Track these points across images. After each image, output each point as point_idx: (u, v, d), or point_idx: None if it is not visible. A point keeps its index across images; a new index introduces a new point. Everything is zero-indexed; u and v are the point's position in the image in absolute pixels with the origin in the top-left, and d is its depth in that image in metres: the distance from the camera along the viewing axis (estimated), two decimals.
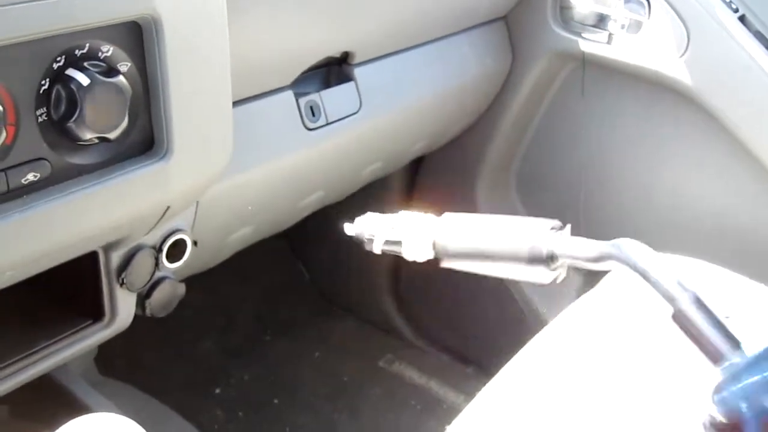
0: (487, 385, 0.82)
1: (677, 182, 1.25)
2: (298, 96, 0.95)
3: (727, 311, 0.47)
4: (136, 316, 0.86)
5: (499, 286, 1.43)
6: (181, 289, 0.89)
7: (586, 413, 0.74)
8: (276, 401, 1.51)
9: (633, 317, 0.87)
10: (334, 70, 1.01)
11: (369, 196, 1.42)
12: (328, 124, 0.98)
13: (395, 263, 1.63)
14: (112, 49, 0.62)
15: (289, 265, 1.76)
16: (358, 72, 1.02)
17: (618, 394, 0.76)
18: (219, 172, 0.77)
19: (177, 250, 0.85)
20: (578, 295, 0.95)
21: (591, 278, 1.25)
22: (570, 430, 0.73)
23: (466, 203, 1.45)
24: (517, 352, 0.85)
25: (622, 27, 1.19)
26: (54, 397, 0.91)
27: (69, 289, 0.82)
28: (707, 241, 1.22)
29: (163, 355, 1.50)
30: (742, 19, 1.11)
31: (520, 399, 0.79)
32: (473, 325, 1.55)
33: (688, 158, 1.22)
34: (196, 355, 1.55)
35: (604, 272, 0.98)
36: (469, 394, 0.83)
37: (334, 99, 0.99)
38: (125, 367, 1.34)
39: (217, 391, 1.50)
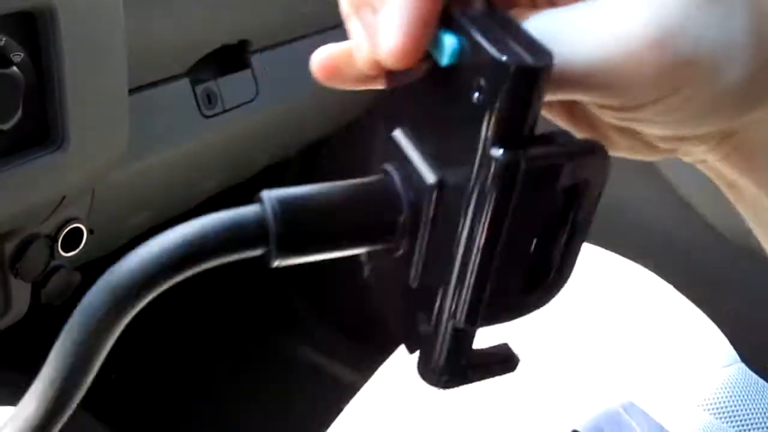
0: (384, 363, 0.85)
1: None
2: (194, 83, 0.95)
3: None
4: (32, 305, 0.85)
5: None
6: (77, 276, 0.88)
7: (485, 387, 0.78)
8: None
9: None
10: (230, 56, 1.01)
11: (269, 178, 1.42)
12: (225, 111, 0.98)
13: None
14: (4, 39, 0.62)
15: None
16: (255, 59, 1.02)
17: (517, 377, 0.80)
18: (115, 161, 0.77)
19: (73, 239, 0.84)
20: None
21: None
22: (471, 401, 0.76)
23: None
24: None
25: None
26: None
27: None
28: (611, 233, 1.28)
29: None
30: None
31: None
32: (366, 300, 1.57)
33: None
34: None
35: None
36: (367, 373, 0.85)
37: (230, 86, 0.99)
38: (23, 357, 1.31)
39: (113, 376, 1.49)
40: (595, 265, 0.92)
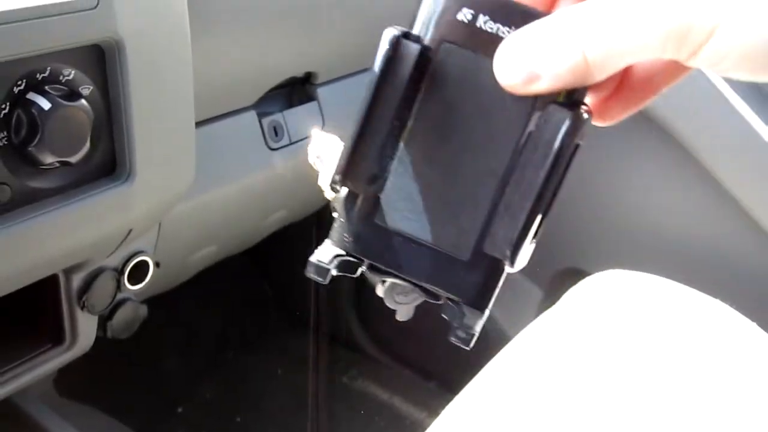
0: (452, 402, 0.83)
1: (636, 199, 1.27)
2: (261, 116, 0.95)
3: None
4: (96, 337, 0.85)
5: None
6: (143, 310, 0.88)
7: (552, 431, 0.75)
8: (239, 419, 1.50)
9: (595, 333, 0.88)
10: (297, 89, 1.01)
11: (330, 213, 1.42)
12: (291, 143, 0.98)
13: (357, 279, 1.63)
14: (73, 72, 0.62)
15: (251, 281, 1.75)
16: (321, 91, 1.02)
17: (585, 412, 0.77)
18: (181, 194, 0.77)
19: (139, 272, 0.84)
20: (539, 311, 0.97)
21: (552, 294, 1.26)
22: None
23: None
24: (479, 368, 0.86)
25: None
26: (12, 420, 0.90)
27: (28, 313, 0.81)
28: (666, 256, 1.24)
29: (125, 374, 1.48)
30: None
31: (487, 416, 0.80)
32: (435, 339, 1.55)
33: (647, 176, 1.24)
34: (159, 374, 1.53)
35: (565, 289, 1.00)
36: (432, 410, 0.83)
37: (296, 118, 0.99)
38: (85, 388, 1.32)
39: (180, 410, 1.49)
40: (677, 302, 0.88)
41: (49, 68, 0.60)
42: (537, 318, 0.94)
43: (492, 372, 0.85)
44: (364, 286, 1.64)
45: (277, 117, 0.97)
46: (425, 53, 0.31)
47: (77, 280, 0.78)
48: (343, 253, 0.35)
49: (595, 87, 0.35)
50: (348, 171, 0.34)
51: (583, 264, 1.27)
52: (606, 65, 0.31)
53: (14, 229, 0.61)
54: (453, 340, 0.35)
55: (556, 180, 0.31)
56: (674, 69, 0.37)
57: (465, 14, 0.31)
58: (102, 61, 0.64)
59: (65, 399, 1.22)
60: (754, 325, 0.85)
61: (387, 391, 1.58)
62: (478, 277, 0.33)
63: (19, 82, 0.59)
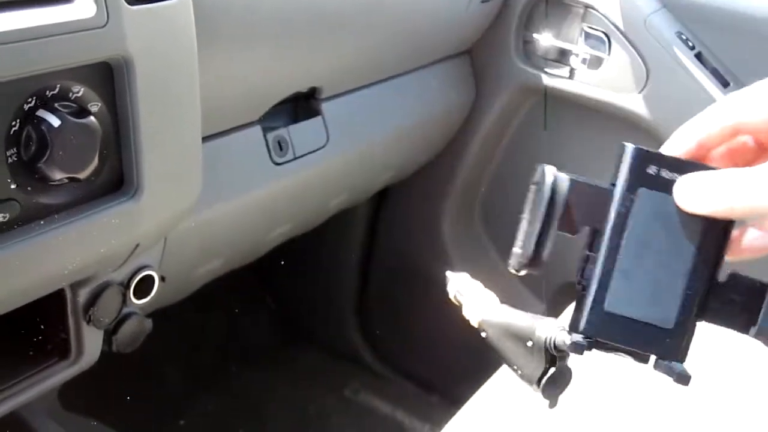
0: (456, 415, 0.83)
1: None
2: (266, 131, 0.95)
3: None
4: (104, 352, 0.85)
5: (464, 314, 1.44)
6: (148, 324, 0.89)
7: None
8: (241, 431, 1.49)
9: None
10: (301, 104, 1.01)
11: (335, 224, 1.42)
12: (295, 158, 0.98)
13: (360, 292, 1.64)
14: (83, 89, 0.62)
15: (253, 293, 1.75)
16: (325, 107, 1.03)
17: (591, 422, 0.77)
18: (188, 209, 0.77)
19: (144, 286, 0.84)
20: None
21: (555, 308, 1.26)
22: None
23: (431, 232, 1.46)
24: (482, 381, 0.86)
25: (584, 62, 1.22)
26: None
27: (33, 327, 0.81)
28: None
29: (127, 386, 1.48)
30: (698, 56, 1.15)
31: (490, 430, 0.80)
32: (438, 353, 1.55)
33: None
34: (161, 385, 1.53)
35: (568, 302, 1.00)
36: (435, 423, 0.84)
37: (301, 134, 0.99)
38: (88, 400, 1.32)
39: (182, 422, 1.49)
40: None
41: (58, 85, 0.61)
42: None
43: (494, 385, 0.85)
44: (367, 300, 1.64)
45: (282, 132, 0.98)
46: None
47: (84, 294, 0.79)
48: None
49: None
50: (533, 258, 0.47)
51: None
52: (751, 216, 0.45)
53: (22, 245, 0.61)
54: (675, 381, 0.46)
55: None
56: None
57: (652, 169, 0.47)
58: (110, 78, 0.64)
59: (70, 413, 1.22)
60: None
61: (390, 404, 1.58)
62: (680, 339, 0.46)
63: (30, 100, 0.59)
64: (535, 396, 0.74)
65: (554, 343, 0.51)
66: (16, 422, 0.91)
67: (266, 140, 0.95)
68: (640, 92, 1.17)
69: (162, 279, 0.86)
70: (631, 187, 0.47)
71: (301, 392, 1.59)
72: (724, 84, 1.14)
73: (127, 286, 0.83)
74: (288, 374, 1.63)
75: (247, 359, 1.65)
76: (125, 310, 0.85)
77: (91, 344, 0.82)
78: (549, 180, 0.48)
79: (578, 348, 0.47)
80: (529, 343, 0.53)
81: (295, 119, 1.01)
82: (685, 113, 1.20)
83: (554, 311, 1.10)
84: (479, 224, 1.46)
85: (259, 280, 1.75)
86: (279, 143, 0.97)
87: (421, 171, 1.39)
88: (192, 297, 1.15)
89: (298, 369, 1.65)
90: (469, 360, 1.41)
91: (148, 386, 1.51)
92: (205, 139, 0.81)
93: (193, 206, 0.77)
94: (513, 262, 0.48)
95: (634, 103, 1.18)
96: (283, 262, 1.58)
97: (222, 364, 1.63)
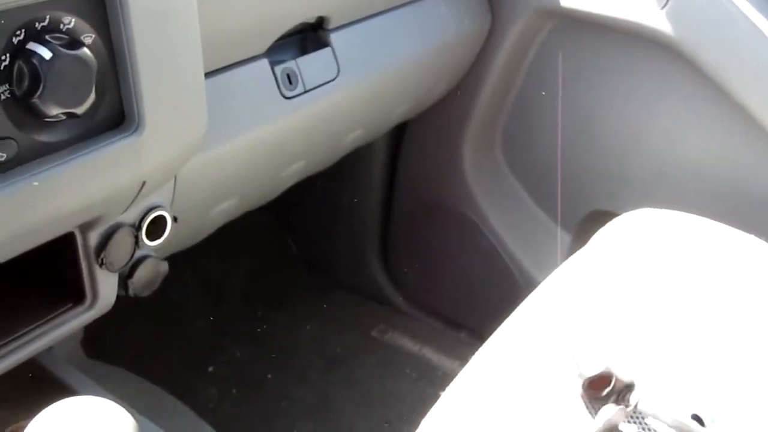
0: (480, 349, 0.81)
1: (665, 136, 1.23)
2: (273, 64, 0.93)
3: None
4: (122, 297, 0.84)
5: (490, 249, 1.42)
6: (164, 267, 0.87)
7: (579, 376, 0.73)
8: (270, 376, 1.50)
9: (624, 276, 0.86)
10: (309, 36, 0.98)
11: (354, 163, 1.40)
12: (306, 91, 0.95)
13: (383, 231, 1.62)
14: (74, 20, 0.60)
15: (275, 238, 1.74)
16: (334, 37, 0.99)
17: (613, 355, 0.75)
18: (194, 145, 0.75)
19: (157, 227, 0.83)
20: (568, 255, 0.94)
21: (581, 237, 1.24)
22: (565, 391, 0.72)
23: (452, 165, 1.44)
24: (509, 315, 0.84)
25: None
26: (39, 381, 0.90)
27: (48, 273, 0.80)
28: (697, 194, 1.21)
29: (153, 335, 1.49)
30: None
31: (514, 362, 0.78)
32: (464, 289, 1.54)
33: (675, 111, 1.21)
34: (187, 333, 1.53)
35: (594, 231, 0.98)
36: (463, 360, 0.82)
37: (311, 66, 0.96)
38: (113, 349, 1.32)
39: (210, 369, 1.49)
40: (711, 239, 0.86)
41: (48, 16, 0.58)
42: (565, 262, 0.91)
43: (520, 318, 0.83)
44: (390, 239, 1.63)
45: (291, 65, 0.94)
46: None
47: (94, 237, 0.77)
48: None
49: None
50: None
51: (611, 205, 1.24)
52: None
53: (23, 185, 0.59)
54: None
55: None
56: None
57: None
58: (103, 7, 0.62)
59: (94, 360, 1.23)
60: None
61: (417, 343, 1.57)
62: None
63: (18, 32, 0.57)
64: (557, 328, 0.72)
65: None
66: (38, 370, 0.90)
67: (274, 73, 0.92)
68: (662, 8, 1.13)
69: (174, 219, 0.85)
70: None
71: (328, 335, 1.59)
72: None
73: (139, 227, 0.81)
74: (314, 318, 1.63)
75: (272, 304, 1.65)
76: (139, 253, 0.83)
77: (106, 288, 0.81)
78: None
79: None
80: None
81: (304, 51, 0.98)
82: (710, 29, 1.16)
83: (581, 240, 1.07)
84: (500, 154, 1.43)
85: (281, 225, 1.74)
86: (288, 76, 0.94)
87: (438, 103, 1.36)
88: (215, 245, 1.14)
89: (323, 312, 1.65)
90: (495, 294, 1.39)
91: (175, 335, 1.52)
92: (210, 73, 0.78)
93: (199, 142, 0.75)
94: None
95: (657, 21, 1.13)
96: (304, 205, 1.56)
97: (247, 310, 1.63)
